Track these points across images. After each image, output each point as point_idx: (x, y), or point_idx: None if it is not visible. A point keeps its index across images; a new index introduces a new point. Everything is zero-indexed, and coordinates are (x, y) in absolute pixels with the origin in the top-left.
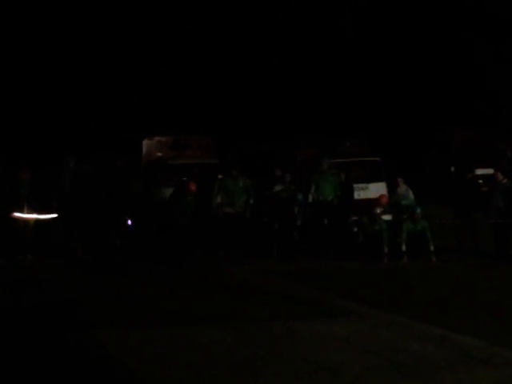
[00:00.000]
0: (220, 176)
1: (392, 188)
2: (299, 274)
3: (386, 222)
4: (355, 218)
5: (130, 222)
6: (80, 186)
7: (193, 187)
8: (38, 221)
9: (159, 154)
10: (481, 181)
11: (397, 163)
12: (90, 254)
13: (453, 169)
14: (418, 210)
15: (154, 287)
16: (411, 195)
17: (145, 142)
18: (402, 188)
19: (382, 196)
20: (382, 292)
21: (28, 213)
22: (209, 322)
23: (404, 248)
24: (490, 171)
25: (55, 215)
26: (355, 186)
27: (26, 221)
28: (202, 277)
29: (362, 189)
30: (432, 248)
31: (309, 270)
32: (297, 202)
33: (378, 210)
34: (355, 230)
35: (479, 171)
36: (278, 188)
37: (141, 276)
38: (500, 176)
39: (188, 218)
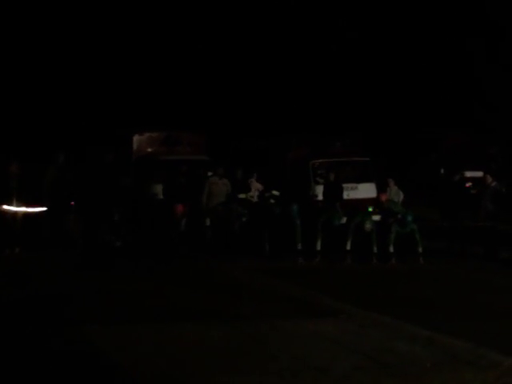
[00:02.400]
0: (210, 173)
1: (382, 189)
2: (288, 273)
3: (375, 222)
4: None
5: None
6: (69, 180)
7: (180, 209)
8: (26, 214)
9: (149, 150)
10: (469, 183)
11: (388, 164)
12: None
13: (442, 171)
14: (409, 218)
15: (142, 283)
16: (401, 196)
17: (135, 138)
18: (393, 189)
19: (381, 194)
20: (370, 292)
21: (17, 206)
22: (196, 319)
23: (392, 249)
24: (479, 174)
25: (44, 208)
26: (345, 186)
27: (14, 214)
28: (190, 274)
29: (352, 189)
30: (420, 250)
31: (298, 269)
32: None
33: (371, 209)
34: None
35: (468, 173)
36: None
37: (130, 272)
38: (489, 179)
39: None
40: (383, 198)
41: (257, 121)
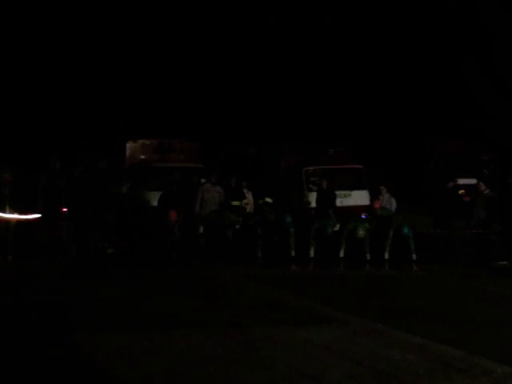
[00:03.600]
0: (203, 180)
1: (374, 196)
2: (282, 280)
3: (368, 229)
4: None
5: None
6: (61, 186)
7: (173, 216)
8: (19, 221)
9: (143, 157)
10: (462, 191)
11: (381, 171)
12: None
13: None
14: (406, 231)
15: (136, 291)
16: (394, 204)
17: (128, 145)
18: (385, 196)
19: (374, 201)
20: (364, 299)
21: (10, 213)
22: (189, 327)
23: (387, 256)
24: (473, 181)
25: (38, 216)
26: (337, 193)
27: (7, 221)
28: (183, 281)
29: (345, 196)
30: (414, 257)
31: (292, 276)
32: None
33: (364, 215)
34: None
35: (461, 181)
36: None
37: (122, 279)
38: (482, 186)
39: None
40: (376, 205)
41: (249, 128)
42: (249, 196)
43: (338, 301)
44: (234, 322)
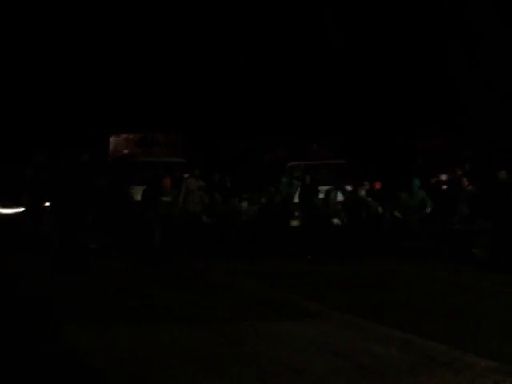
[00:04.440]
0: (186, 175)
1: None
2: (267, 275)
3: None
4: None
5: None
6: (45, 180)
7: (167, 182)
8: (2, 215)
9: (126, 151)
10: (445, 186)
11: (365, 167)
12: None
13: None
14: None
15: (121, 285)
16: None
17: (111, 139)
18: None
19: (376, 183)
20: (347, 294)
21: None
22: (175, 321)
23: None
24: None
25: (22, 209)
26: (320, 188)
27: None
28: (169, 276)
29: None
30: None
31: (277, 271)
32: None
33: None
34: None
35: (443, 177)
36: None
37: (107, 274)
38: (465, 182)
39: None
40: (377, 185)
41: (234, 123)
42: None
43: (321, 295)
44: (217, 316)
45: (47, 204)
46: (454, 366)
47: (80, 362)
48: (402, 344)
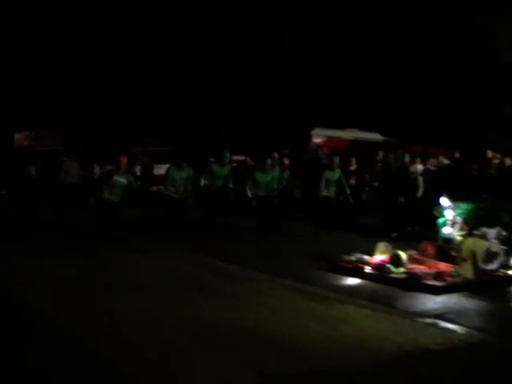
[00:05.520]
0: (65, 158)
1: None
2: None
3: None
4: None
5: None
6: None
7: (124, 160)
8: None
9: (25, 143)
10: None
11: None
12: None
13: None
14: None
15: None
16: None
17: (16, 135)
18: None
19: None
20: (190, 238)
21: None
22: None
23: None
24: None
25: None
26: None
27: None
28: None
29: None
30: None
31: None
32: None
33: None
34: None
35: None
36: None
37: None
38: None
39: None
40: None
41: (103, 119)
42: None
43: (168, 238)
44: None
45: None
46: (238, 278)
47: None
48: (204, 265)
